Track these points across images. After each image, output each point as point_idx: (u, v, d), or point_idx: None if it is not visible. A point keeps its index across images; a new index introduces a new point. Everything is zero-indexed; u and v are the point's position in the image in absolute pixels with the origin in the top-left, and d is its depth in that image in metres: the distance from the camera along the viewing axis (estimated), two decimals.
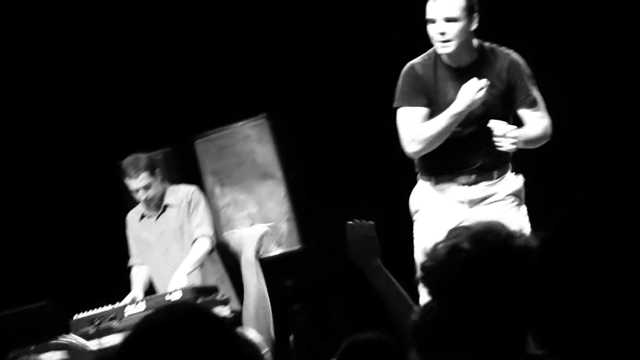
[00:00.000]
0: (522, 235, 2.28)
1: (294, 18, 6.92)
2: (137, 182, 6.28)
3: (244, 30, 7.18)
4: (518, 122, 4.74)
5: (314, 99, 6.81)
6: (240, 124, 6.83)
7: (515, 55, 4.75)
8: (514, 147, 4.60)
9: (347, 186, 6.66)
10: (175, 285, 5.94)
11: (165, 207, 6.47)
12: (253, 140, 6.91)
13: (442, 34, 4.58)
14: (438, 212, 4.68)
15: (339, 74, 6.91)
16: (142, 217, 6.54)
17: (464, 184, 4.74)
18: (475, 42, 4.71)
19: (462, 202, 4.73)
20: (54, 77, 7.58)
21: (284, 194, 6.83)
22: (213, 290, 5.74)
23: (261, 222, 6.95)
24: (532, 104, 4.75)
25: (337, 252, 6.62)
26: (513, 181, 4.83)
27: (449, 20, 4.57)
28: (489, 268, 2.21)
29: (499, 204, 4.74)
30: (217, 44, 7.24)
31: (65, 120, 7.64)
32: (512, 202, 4.77)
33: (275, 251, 6.92)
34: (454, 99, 4.61)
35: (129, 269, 6.58)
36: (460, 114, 4.57)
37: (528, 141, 4.70)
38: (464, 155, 4.73)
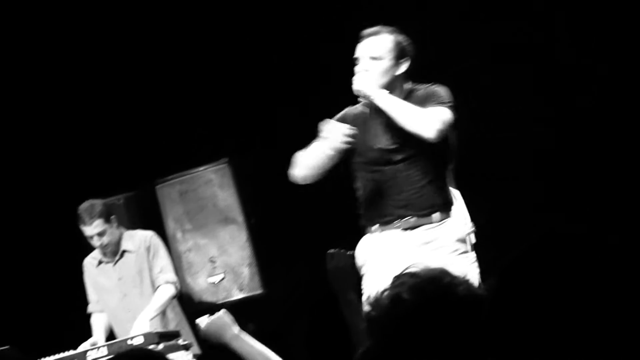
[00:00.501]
0: (465, 282, 2.30)
1: (256, 63, 6.97)
2: (91, 229, 6.31)
3: (206, 75, 7.21)
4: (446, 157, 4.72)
5: (275, 143, 6.82)
6: (202, 168, 6.83)
7: (436, 86, 4.74)
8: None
9: (309, 230, 6.67)
10: (137, 330, 5.93)
11: (123, 252, 6.49)
12: (215, 184, 6.91)
13: (365, 70, 4.67)
14: (383, 261, 4.62)
15: (301, 119, 6.93)
16: (100, 263, 6.55)
17: (405, 229, 4.68)
18: (406, 85, 4.74)
19: (405, 248, 4.64)
20: (16, 118, 7.59)
21: (245, 238, 6.83)
22: (175, 335, 5.75)
23: (222, 267, 6.96)
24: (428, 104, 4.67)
25: (298, 295, 6.70)
26: (458, 226, 4.75)
27: (373, 58, 4.66)
28: (428, 317, 2.24)
29: (444, 249, 4.65)
30: (179, 88, 7.27)
31: (26, 162, 7.63)
32: (457, 248, 4.69)
33: (237, 295, 6.91)
34: (375, 139, 4.70)
35: (89, 315, 6.55)
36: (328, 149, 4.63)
37: (399, 111, 4.63)
38: (395, 199, 4.69)
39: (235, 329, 3.68)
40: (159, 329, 6.07)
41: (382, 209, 4.71)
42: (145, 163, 7.01)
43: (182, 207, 6.80)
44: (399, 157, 4.68)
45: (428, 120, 4.55)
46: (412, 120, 4.57)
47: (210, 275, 6.94)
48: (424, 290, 2.27)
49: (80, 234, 6.42)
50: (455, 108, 4.63)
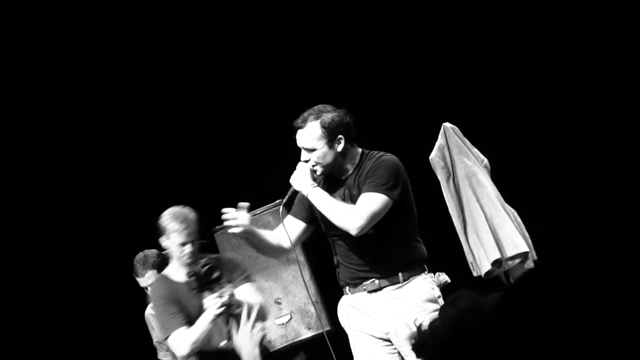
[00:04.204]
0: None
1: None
2: (144, 280, 6.31)
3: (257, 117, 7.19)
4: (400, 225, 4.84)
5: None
6: (258, 211, 6.78)
7: (380, 162, 4.82)
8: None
9: None
10: None
11: None
12: (273, 226, 6.85)
13: (307, 161, 4.82)
14: (359, 326, 4.87)
15: None
16: None
17: (370, 291, 4.85)
18: (355, 152, 4.88)
19: (372, 311, 4.83)
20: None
21: (309, 277, 6.79)
22: None
23: (288, 307, 6.92)
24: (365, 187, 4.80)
25: None
26: (426, 286, 4.84)
27: (308, 150, 4.84)
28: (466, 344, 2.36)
29: (411, 309, 4.77)
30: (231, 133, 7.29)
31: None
32: (426, 308, 4.79)
33: (306, 334, 6.89)
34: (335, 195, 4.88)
35: None
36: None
37: (325, 208, 4.79)
38: (359, 263, 4.85)
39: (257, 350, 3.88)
40: None
41: (349, 273, 4.92)
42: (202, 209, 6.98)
43: (242, 251, 6.75)
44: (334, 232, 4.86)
45: (351, 218, 4.70)
46: (337, 218, 4.74)
47: (277, 317, 6.90)
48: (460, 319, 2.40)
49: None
50: (397, 184, 4.74)
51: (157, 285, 5.71)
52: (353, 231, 4.71)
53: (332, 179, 4.94)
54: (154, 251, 6.30)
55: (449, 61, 7.46)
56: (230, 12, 7.66)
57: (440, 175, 5.92)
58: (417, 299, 4.81)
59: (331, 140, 4.81)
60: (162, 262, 6.20)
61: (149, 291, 6.15)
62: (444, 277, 4.96)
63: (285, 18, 7.60)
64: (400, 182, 4.80)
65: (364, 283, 4.85)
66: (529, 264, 5.74)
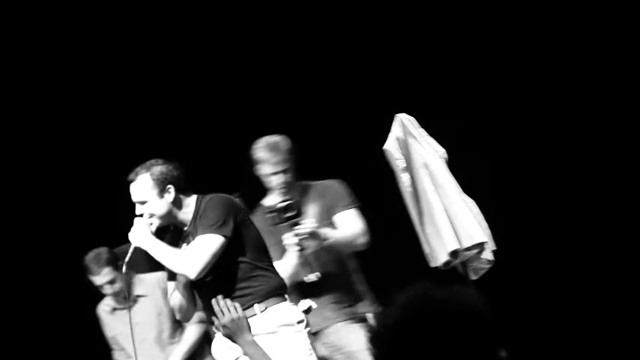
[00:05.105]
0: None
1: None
2: (100, 278, 6.34)
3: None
4: None
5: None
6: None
7: (209, 203, 5.00)
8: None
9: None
10: None
11: (137, 297, 6.45)
12: None
13: (141, 215, 5.00)
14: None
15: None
16: (114, 309, 6.53)
17: None
18: (189, 201, 5.03)
19: (229, 349, 4.90)
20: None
21: None
22: None
23: None
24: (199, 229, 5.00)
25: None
26: (284, 311, 4.97)
27: (140, 203, 5.01)
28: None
29: (269, 336, 4.84)
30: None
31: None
32: (283, 332, 4.91)
33: None
34: None
35: None
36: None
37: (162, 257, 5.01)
38: (207, 301, 4.88)
39: (250, 336, 4.14)
40: None
41: (210, 311, 4.87)
42: None
43: None
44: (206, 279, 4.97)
45: (186, 263, 4.89)
46: (174, 265, 4.95)
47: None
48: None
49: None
50: (227, 220, 4.89)
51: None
52: (191, 275, 4.88)
53: (177, 232, 5.09)
54: (104, 248, 6.38)
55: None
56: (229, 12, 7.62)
57: (395, 166, 5.79)
58: (273, 325, 4.93)
59: (161, 191, 4.97)
60: (114, 257, 6.31)
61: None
62: (308, 303, 5.08)
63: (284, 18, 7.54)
64: (231, 218, 4.93)
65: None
66: (487, 255, 5.66)
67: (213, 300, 4.29)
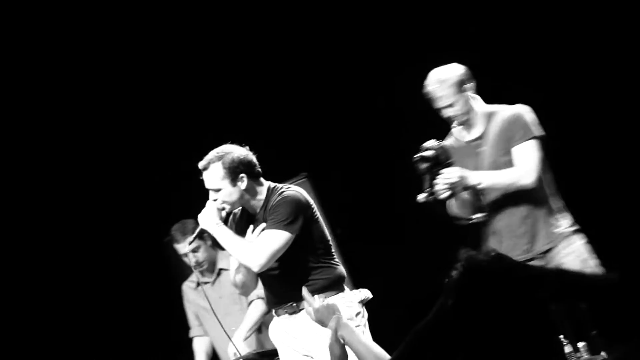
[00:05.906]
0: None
1: (330, 83, 7.15)
2: (184, 246, 6.38)
3: (282, 92, 7.39)
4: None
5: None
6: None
7: (282, 199, 5.03)
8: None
9: (393, 235, 6.69)
10: (235, 352, 5.97)
11: (220, 271, 6.55)
12: None
13: (215, 200, 5.04)
14: (286, 342, 5.14)
15: (375, 127, 7.00)
16: (198, 285, 6.60)
17: (291, 314, 5.09)
18: (261, 188, 5.10)
19: (293, 331, 5.08)
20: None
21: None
22: (274, 354, 5.61)
23: None
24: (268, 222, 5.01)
25: (392, 301, 6.71)
26: (341, 304, 4.83)
27: (214, 190, 5.06)
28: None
29: (309, 339, 4.99)
30: (255, 106, 7.44)
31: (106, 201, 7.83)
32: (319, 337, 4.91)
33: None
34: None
35: (190, 340, 6.68)
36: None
37: (228, 245, 5.06)
38: (278, 289, 5.10)
39: (343, 317, 4.02)
40: (256, 348, 6.17)
41: (272, 298, 5.18)
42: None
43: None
44: (269, 271, 5.05)
45: (252, 255, 4.96)
46: (239, 255, 5.03)
47: None
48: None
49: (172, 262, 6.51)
50: (297, 219, 4.93)
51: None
52: (254, 268, 4.98)
53: (247, 215, 5.17)
54: (191, 219, 6.37)
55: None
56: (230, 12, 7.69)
57: None
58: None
59: (234, 180, 5.03)
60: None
61: None
62: (365, 293, 5.10)
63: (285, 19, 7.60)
64: (301, 216, 5.00)
65: (284, 306, 5.12)
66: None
67: (304, 288, 4.37)
